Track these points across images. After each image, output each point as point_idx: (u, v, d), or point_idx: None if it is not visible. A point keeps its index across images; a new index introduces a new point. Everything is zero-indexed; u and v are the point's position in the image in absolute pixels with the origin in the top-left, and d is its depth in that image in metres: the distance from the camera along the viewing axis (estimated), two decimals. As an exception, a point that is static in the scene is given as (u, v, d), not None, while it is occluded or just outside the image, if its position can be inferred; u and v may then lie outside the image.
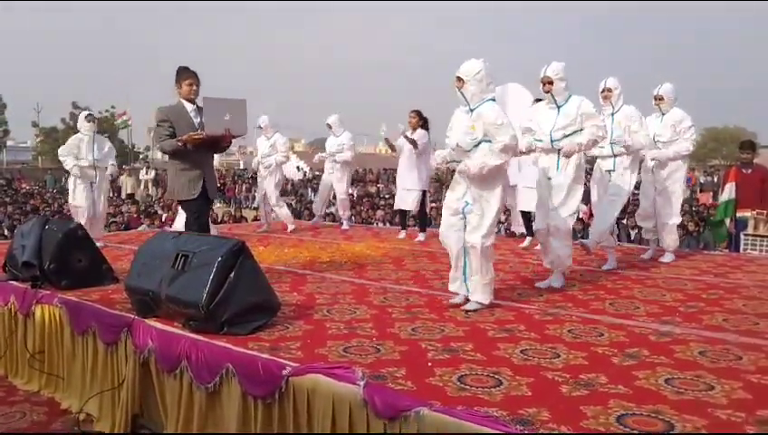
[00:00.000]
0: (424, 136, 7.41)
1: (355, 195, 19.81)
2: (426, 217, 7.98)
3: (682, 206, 6.77)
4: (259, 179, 8.84)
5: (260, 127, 8.70)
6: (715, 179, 20.84)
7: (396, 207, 8.32)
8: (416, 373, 2.80)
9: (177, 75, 4.62)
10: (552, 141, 4.60)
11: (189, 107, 4.62)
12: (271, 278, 4.20)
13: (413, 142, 7.31)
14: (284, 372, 2.82)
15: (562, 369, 2.88)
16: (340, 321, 3.76)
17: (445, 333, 3.50)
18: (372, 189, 22.87)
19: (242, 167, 32.68)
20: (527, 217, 6.90)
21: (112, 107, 42.02)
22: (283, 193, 18.03)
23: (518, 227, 7.53)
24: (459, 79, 3.97)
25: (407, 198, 7.63)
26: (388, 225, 12.24)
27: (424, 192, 7.62)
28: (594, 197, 5.73)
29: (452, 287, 4.19)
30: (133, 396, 3.56)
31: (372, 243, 7.27)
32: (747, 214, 7.17)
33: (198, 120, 4.56)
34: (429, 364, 2.95)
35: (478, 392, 2.58)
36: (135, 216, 13.54)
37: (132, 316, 3.72)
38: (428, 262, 5.96)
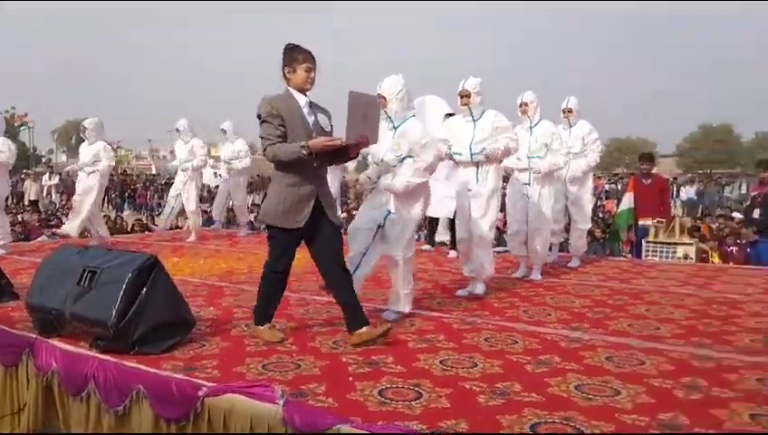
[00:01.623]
0: None
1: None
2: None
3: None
4: (178, 183, 8.63)
5: (177, 130, 8.50)
6: (619, 187, 22.10)
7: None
8: (337, 389, 2.79)
9: (289, 56, 3.43)
10: (471, 155, 4.73)
11: (302, 100, 3.46)
12: (185, 292, 4.06)
13: None
14: (200, 393, 2.73)
15: (480, 378, 2.95)
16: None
17: (366, 345, 3.50)
18: (292, 196, 22.59)
19: (154, 172, 31.50)
20: (433, 225, 7.13)
21: (12, 107, 39.50)
22: (200, 200, 17.49)
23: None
24: (381, 97, 4.01)
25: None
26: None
27: None
28: (509, 207, 5.91)
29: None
30: (35, 422, 3.34)
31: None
32: (648, 222, 7.64)
33: (313, 118, 3.47)
34: (350, 379, 2.94)
35: (399, 406, 2.60)
36: (36, 224, 12.73)
37: (34, 336, 3.49)
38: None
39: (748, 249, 7.88)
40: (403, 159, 3.99)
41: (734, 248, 8.31)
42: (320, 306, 4.48)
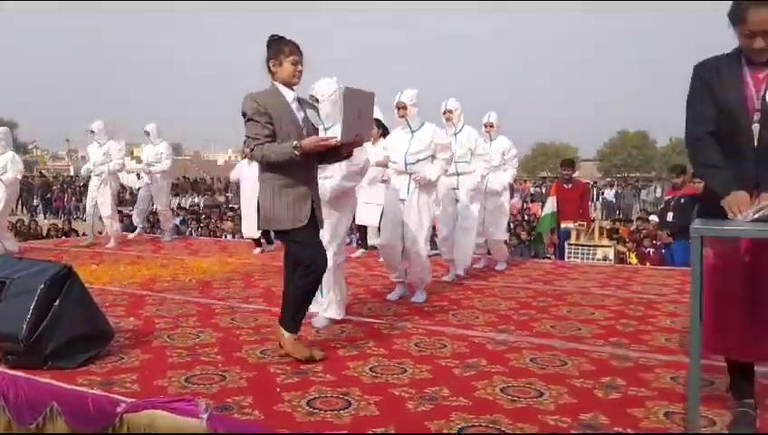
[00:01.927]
0: None
1: (201, 205, 19.04)
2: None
3: (515, 215, 7.35)
4: (92, 188, 8.23)
5: (92, 132, 8.13)
6: (543, 190, 22.85)
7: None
8: (264, 400, 2.72)
9: (274, 49, 3.22)
10: (405, 165, 4.75)
11: (290, 96, 3.25)
12: (103, 302, 3.90)
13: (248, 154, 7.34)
14: (118, 409, 2.61)
15: (409, 384, 2.96)
16: (183, 347, 3.56)
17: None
18: (221, 199, 22.14)
19: (71, 173, 30.05)
20: (363, 230, 7.14)
21: None
22: (121, 202, 16.80)
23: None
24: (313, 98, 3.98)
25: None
26: (237, 237, 11.88)
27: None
28: (438, 211, 5.97)
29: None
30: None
31: (220, 258, 7.01)
32: (570, 225, 7.93)
33: (302, 115, 3.30)
34: (278, 389, 2.88)
35: (327, 416, 2.56)
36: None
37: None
38: (279, 277, 5.84)
39: (663, 251, 8.31)
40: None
41: (651, 250, 8.74)
42: (247, 314, 4.38)
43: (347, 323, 4.11)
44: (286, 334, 3.32)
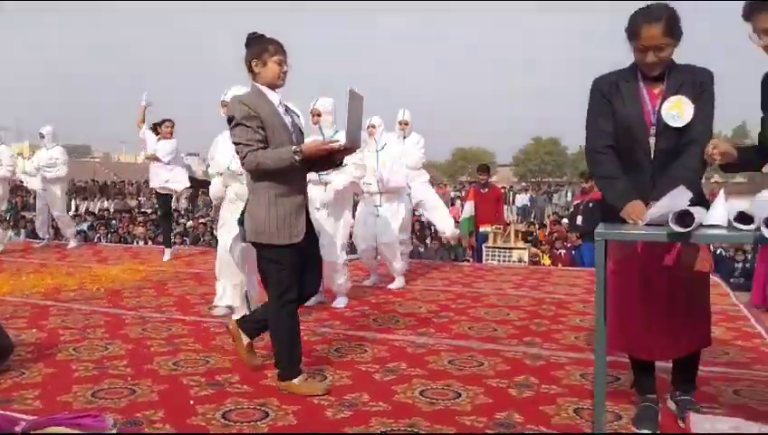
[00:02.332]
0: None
1: (111, 209, 18.21)
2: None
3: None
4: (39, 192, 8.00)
5: (42, 135, 7.86)
6: (462, 194, 23.39)
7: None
8: (176, 414, 2.62)
9: (257, 47, 2.94)
10: (319, 175, 4.71)
11: (275, 99, 2.98)
12: (4, 313, 3.64)
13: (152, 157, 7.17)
14: (17, 429, 2.43)
15: (329, 391, 2.93)
16: (89, 360, 3.38)
17: (210, 365, 3.34)
18: (132, 203, 21.25)
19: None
20: None
21: None
22: (25, 207, 15.86)
23: None
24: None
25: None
26: (150, 243, 11.45)
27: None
28: (358, 226, 5.86)
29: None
30: None
31: (131, 265, 6.71)
32: (488, 228, 8.15)
33: (289, 119, 3.03)
34: (192, 402, 2.78)
35: (244, 428, 2.50)
36: None
37: None
38: (195, 284, 5.68)
39: (573, 252, 8.69)
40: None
41: (562, 251, 9.13)
42: (159, 324, 4.21)
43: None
44: (294, 382, 2.93)
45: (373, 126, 5.56)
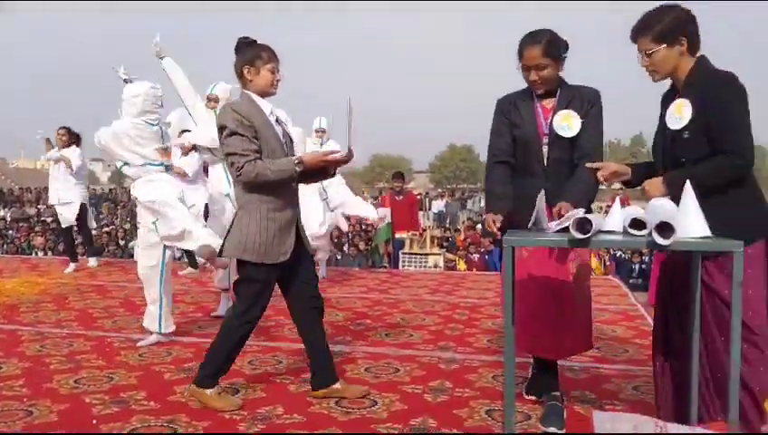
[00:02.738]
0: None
1: (8, 218, 17.02)
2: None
3: (354, 226, 7.43)
4: None
5: None
6: (379, 201, 23.55)
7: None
8: (76, 436, 2.47)
9: (250, 53, 2.82)
10: (213, 153, 4.60)
11: (267, 107, 2.85)
12: None
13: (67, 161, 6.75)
14: None
15: (242, 404, 2.85)
16: (-22, 382, 3.13)
17: (114, 381, 3.18)
18: (31, 211, 19.93)
19: None
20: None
21: None
22: None
23: None
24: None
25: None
26: (50, 254, 10.77)
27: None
28: None
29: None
30: None
31: (28, 278, 6.28)
32: (404, 235, 8.25)
33: (280, 129, 2.90)
34: (94, 421, 2.63)
35: (150, 447, 2.39)
36: None
37: None
38: (98, 298, 5.39)
39: (486, 257, 8.96)
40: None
41: (476, 256, 9.38)
42: (60, 340, 3.96)
43: (174, 344, 3.88)
44: (208, 392, 2.83)
45: (323, 130, 5.55)
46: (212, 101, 4.64)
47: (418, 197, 17.87)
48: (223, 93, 4.62)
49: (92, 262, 6.99)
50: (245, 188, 2.79)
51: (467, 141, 58.69)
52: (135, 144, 3.88)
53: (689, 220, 1.91)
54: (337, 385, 2.97)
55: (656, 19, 2.25)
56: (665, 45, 2.23)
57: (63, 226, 7.02)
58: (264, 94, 2.85)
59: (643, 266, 9.82)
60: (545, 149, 2.68)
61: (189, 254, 6.66)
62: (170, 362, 3.54)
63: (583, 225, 1.92)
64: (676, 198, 2.00)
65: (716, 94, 2.17)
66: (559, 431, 2.60)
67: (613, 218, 2.04)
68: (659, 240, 1.82)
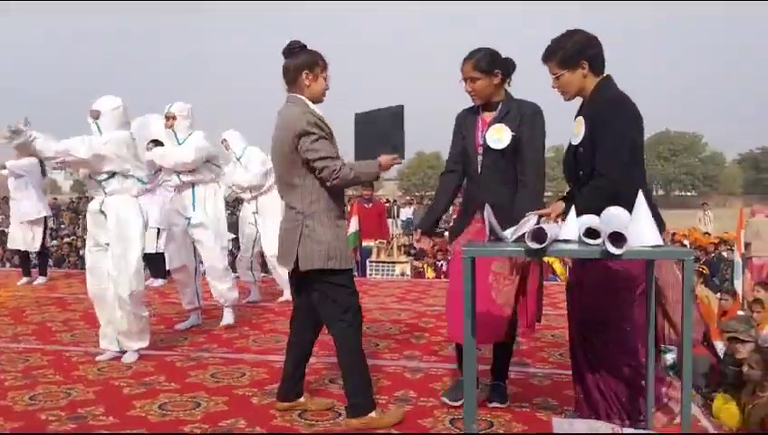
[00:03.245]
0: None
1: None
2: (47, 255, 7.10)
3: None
4: None
5: None
6: (348, 209, 23.48)
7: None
8: (29, 455, 2.40)
9: (307, 60, 2.76)
10: (179, 177, 4.56)
11: (321, 114, 2.80)
12: None
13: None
14: None
15: (202, 419, 2.82)
16: (-74, 401, 3.02)
17: (72, 397, 3.10)
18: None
19: None
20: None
21: None
22: None
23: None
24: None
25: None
26: (8, 265, 10.47)
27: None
28: (240, 233, 5.79)
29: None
30: None
31: (-17, 291, 6.10)
32: (372, 243, 8.24)
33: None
34: (48, 440, 2.56)
35: (107, 465, 2.33)
36: None
37: None
38: (57, 311, 5.25)
39: (453, 264, 8.98)
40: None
41: (444, 263, 9.41)
42: (15, 355, 3.85)
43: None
44: (374, 414, 2.76)
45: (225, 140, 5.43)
46: (169, 119, 4.54)
47: (387, 205, 17.89)
48: (180, 112, 4.53)
49: (41, 280, 6.72)
50: (313, 198, 2.73)
51: (435, 148, 59.04)
52: (133, 156, 3.86)
53: (642, 229, 1.96)
54: (302, 398, 2.94)
55: (559, 45, 2.47)
56: (567, 70, 2.45)
57: (21, 248, 6.76)
58: (315, 101, 2.81)
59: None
60: (480, 157, 2.93)
61: (152, 265, 6.54)
62: (130, 376, 3.47)
63: (539, 235, 1.95)
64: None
65: (601, 117, 2.38)
66: (501, 404, 2.93)
67: (569, 227, 2.08)
68: (612, 250, 1.86)
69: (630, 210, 2.08)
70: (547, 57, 2.50)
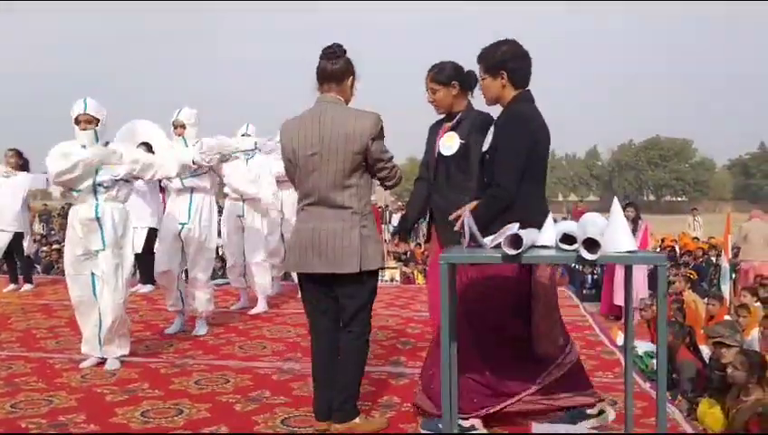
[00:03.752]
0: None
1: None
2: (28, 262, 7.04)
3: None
4: None
5: None
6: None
7: None
8: (7, 464, 2.39)
9: (353, 66, 2.76)
10: (182, 181, 4.56)
11: None
12: None
13: None
14: None
15: (184, 426, 2.82)
16: None
17: (53, 405, 3.09)
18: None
19: None
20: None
21: None
22: None
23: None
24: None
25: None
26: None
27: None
28: (225, 238, 5.75)
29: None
30: None
31: (-31, 298, 6.05)
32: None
33: None
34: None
35: (86, 473, 2.32)
36: None
37: None
38: (42, 317, 5.23)
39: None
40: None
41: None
42: (-2, 363, 3.83)
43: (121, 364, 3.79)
44: (358, 420, 2.75)
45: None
46: (178, 127, 4.56)
47: (379, 210, 17.89)
48: (188, 119, 4.56)
49: (27, 287, 6.67)
50: (366, 199, 2.72)
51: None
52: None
53: (617, 235, 1.97)
54: (358, 420, 2.77)
55: (488, 52, 2.62)
56: (489, 76, 2.61)
57: None
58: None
59: (595, 277, 10.03)
60: (436, 165, 3.15)
61: (142, 270, 6.51)
62: (114, 383, 3.45)
63: (515, 241, 1.96)
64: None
65: (501, 129, 2.55)
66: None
67: (546, 234, 2.10)
68: (586, 255, 1.87)
69: (523, 223, 2.17)
70: (478, 60, 2.66)
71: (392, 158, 2.72)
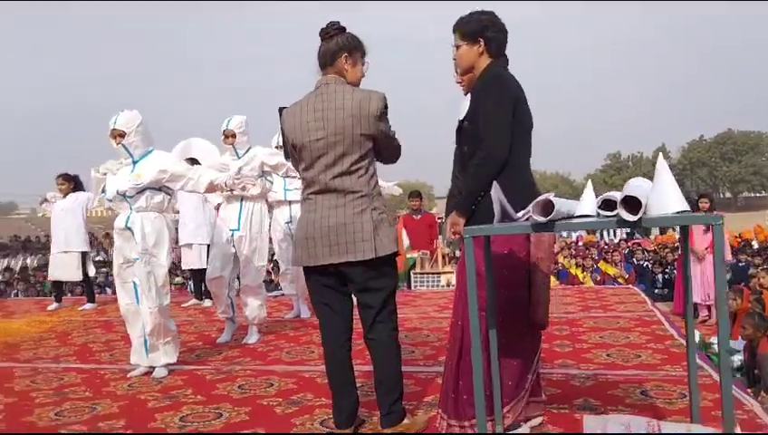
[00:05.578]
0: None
1: (34, 264, 17.34)
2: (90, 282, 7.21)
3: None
4: None
5: None
6: (398, 222, 23.39)
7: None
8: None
9: (350, 41, 2.54)
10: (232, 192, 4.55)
11: None
12: None
13: None
14: None
15: (222, 428, 2.74)
16: (-42, 419, 3.05)
17: (96, 412, 3.08)
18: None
19: None
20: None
21: None
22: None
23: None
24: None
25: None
26: (69, 295, 10.82)
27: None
28: (275, 246, 5.74)
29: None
30: None
31: (37, 317, 6.27)
32: (415, 255, 8.07)
33: None
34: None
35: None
36: None
37: None
38: (102, 332, 5.33)
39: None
40: (144, 189, 3.75)
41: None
42: (52, 375, 3.89)
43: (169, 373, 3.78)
44: (406, 421, 2.62)
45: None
46: (228, 136, 4.55)
47: (439, 220, 17.65)
48: (238, 128, 4.54)
49: (88, 307, 6.83)
50: (374, 179, 2.53)
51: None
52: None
53: (664, 195, 1.75)
54: (406, 421, 2.64)
55: (465, 20, 2.53)
56: (466, 44, 2.51)
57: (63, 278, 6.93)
58: (357, 86, 2.58)
59: (666, 276, 9.47)
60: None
61: (196, 286, 6.60)
62: (158, 390, 3.43)
63: (545, 208, 1.77)
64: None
65: (481, 97, 2.41)
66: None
67: (585, 203, 1.89)
68: (626, 216, 1.67)
69: (516, 187, 2.06)
70: (455, 27, 2.56)
71: (395, 134, 2.57)
